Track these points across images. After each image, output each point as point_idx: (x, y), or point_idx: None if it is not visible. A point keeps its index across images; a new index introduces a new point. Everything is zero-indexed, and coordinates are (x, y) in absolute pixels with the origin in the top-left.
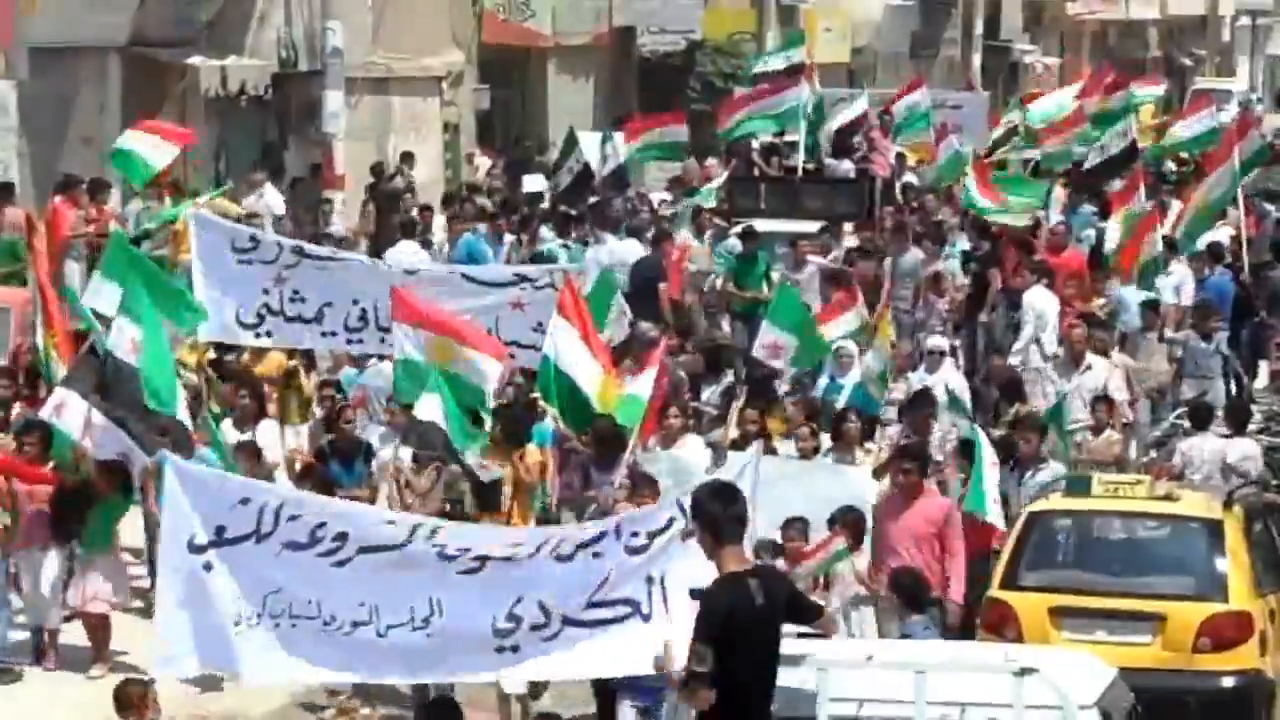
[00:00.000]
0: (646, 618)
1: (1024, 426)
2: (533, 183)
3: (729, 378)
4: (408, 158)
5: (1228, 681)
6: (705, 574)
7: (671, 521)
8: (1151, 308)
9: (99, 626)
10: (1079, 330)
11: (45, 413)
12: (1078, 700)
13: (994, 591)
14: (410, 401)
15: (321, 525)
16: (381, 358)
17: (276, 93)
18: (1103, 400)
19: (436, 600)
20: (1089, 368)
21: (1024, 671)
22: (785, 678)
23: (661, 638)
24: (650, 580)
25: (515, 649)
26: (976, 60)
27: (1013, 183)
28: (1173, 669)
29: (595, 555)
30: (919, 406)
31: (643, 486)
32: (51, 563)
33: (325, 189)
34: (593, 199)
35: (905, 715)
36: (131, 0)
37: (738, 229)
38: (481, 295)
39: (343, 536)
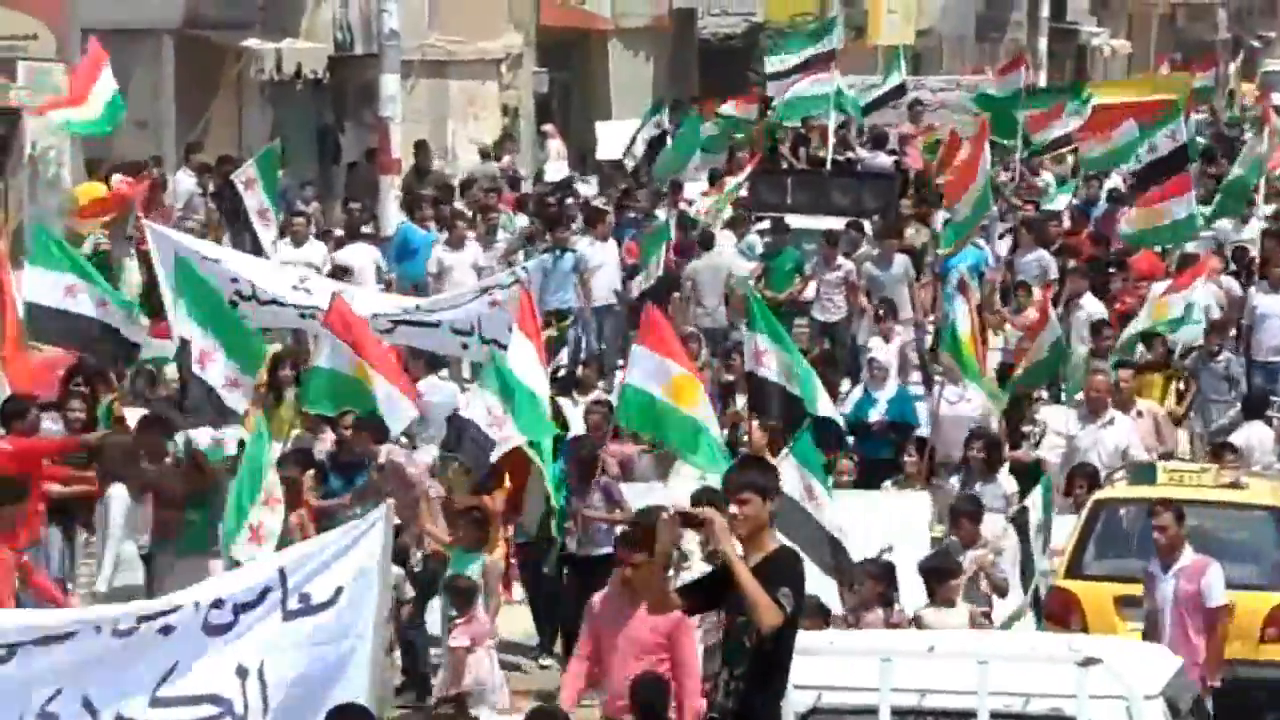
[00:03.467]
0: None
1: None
2: (555, 171)
3: None
4: (422, 146)
5: None
6: (309, 666)
7: (266, 593)
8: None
9: None
10: (1101, 378)
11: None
12: (1143, 691)
13: (1058, 580)
14: (318, 410)
15: None
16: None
17: (332, 76)
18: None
19: None
20: (1111, 422)
21: (1088, 661)
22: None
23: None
24: (243, 673)
25: None
26: (1043, 43)
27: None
28: (1239, 659)
29: (164, 630)
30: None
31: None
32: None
33: (381, 173)
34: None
35: (968, 706)
36: None
37: (760, 225)
38: (456, 306)
39: None
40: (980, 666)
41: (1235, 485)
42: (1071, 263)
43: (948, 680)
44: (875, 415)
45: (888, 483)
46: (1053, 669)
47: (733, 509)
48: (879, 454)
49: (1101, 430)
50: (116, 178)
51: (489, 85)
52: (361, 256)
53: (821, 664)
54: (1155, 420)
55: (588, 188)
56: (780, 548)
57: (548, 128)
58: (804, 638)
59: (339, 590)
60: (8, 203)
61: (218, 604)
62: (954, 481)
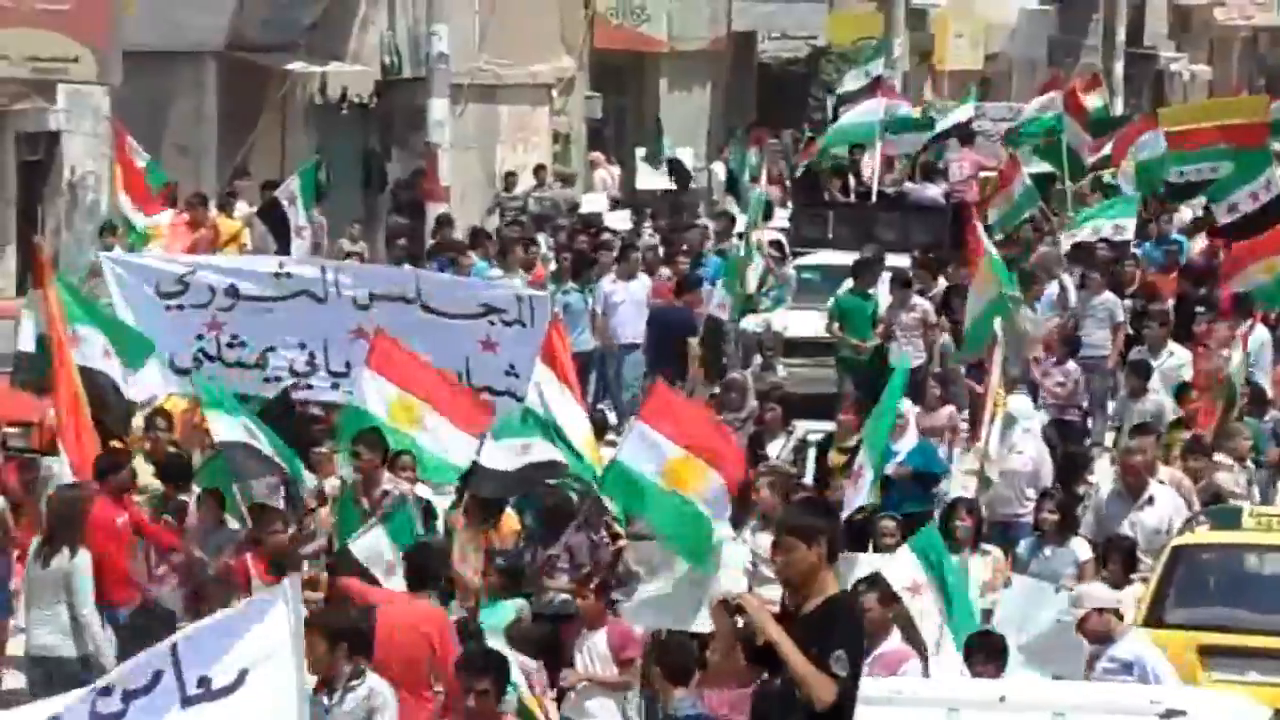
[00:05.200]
0: None
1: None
2: (591, 203)
3: (799, 432)
4: (413, 181)
5: None
6: None
7: (159, 676)
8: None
9: None
10: (1139, 457)
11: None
12: None
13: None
14: (350, 448)
15: None
16: None
17: (379, 100)
18: None
19: None
20: (1150, 501)
21: (1171, 713)
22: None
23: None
24: None
25: None
26: (1119, 68)
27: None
28: None
29: None
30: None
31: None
32: None
33: (427, 199)
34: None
35: None
36: (229, 2)
37: (799, 260)
38: (447, 330)
39: None
40: (1055, 718)
41: None
42: (1143, 304)
43: None
44: (892, 467)
45: None
46: None
47: (777, 557)
48: (905, 509)
49: (1140, 512)
50: (168, 213)
51: (540, 111)
52: None
53: (887, 714)
54: (1180, 490)
55: (620, 221)
56: (837, 595)
57: (595, 156)
58: (868, 685)
59: (243, 673)
60: (45, 228)
61: (106, 691)
62: (999, 550)
